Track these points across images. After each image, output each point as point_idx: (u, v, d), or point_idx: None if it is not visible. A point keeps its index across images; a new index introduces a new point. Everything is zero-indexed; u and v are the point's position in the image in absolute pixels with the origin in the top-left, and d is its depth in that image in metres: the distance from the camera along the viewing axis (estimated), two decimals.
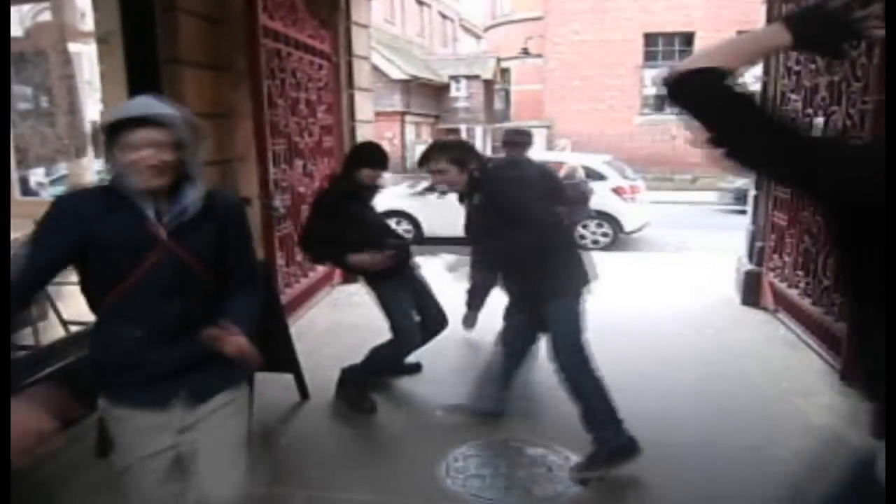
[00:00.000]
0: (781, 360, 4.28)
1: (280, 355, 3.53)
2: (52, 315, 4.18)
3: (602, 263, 8.08)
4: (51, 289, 4.23)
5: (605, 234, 9.68)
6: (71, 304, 4.22)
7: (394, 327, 3.57)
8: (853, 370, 3.79)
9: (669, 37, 19.06)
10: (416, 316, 3.67)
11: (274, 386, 3.70)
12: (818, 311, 4.32)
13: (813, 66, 4.51)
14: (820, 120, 4.36)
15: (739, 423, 3.42)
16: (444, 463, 3.00)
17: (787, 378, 3.97)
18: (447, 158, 2.96)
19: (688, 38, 18.81)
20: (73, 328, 4.00)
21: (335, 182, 3.82)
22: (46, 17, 5.02)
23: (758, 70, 5.76)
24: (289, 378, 3.69)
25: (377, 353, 3.63)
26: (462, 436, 3.22)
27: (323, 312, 5.42)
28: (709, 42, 17.22)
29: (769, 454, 3.06)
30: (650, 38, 19.09)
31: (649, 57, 19.28)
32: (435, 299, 3.81)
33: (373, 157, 3.55)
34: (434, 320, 3.74)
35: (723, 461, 3.03)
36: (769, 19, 5.44)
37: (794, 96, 4.87)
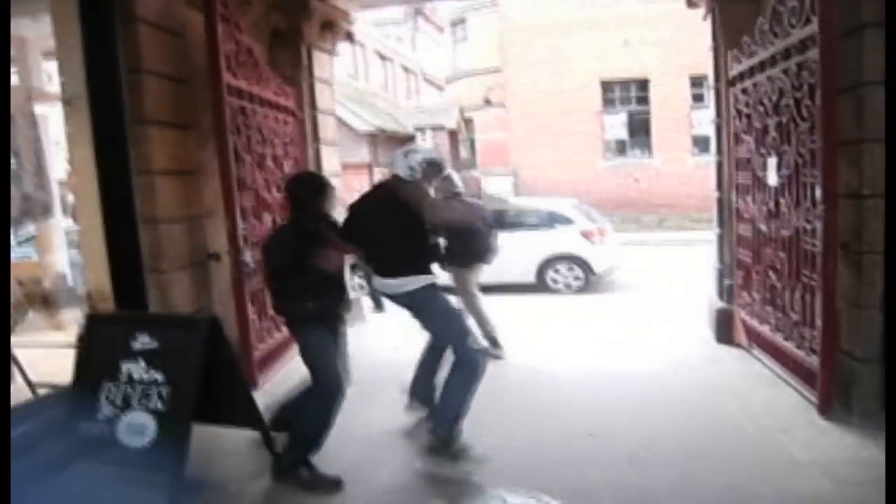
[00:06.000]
0: (759, 396, 4.31)
1: (240, 410, 3.40)
2: (18, 378, 4.02)
3: (575, 306, 8.14)
4: (17, 352, 4.10)
5: (576, 278, 9.75)
6: (38, 366, 4.08)
7: (318, 375, 3.33)
8: (829, 404, 3.83)
9: (625, 84, 19.71)
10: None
11: (248, 442, 3.60)
12: (790, 346, 4.38)
13: (761, 108, 4.70)
14: (773, 160, 4.52)
15: (720, 461, 3.41)
16: None
17: (766, 414, 3.98)
18: None
19: (643, 85, 19.48)
20: (41, 391, 3.85)
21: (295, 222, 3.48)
22: (14, 80, 5.00)
23: (711, 113, 5.99)
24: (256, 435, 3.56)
25: (306, 421, 3.36)
26: (443, 490, 3.15)
27: (297, 366, 5.30)
28: (666, 88, 17.76)
29: (751, 493, 3.05)
30: (607, 86, 19.72)
31: (607, 103, 19.87)
32: (347, 358, 3.56)
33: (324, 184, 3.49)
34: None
35: (706, 501, 3.00)
36: (717, 67, 5.68)
37: (746, 137, 5.06)
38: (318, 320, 3.35)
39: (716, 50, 5.70)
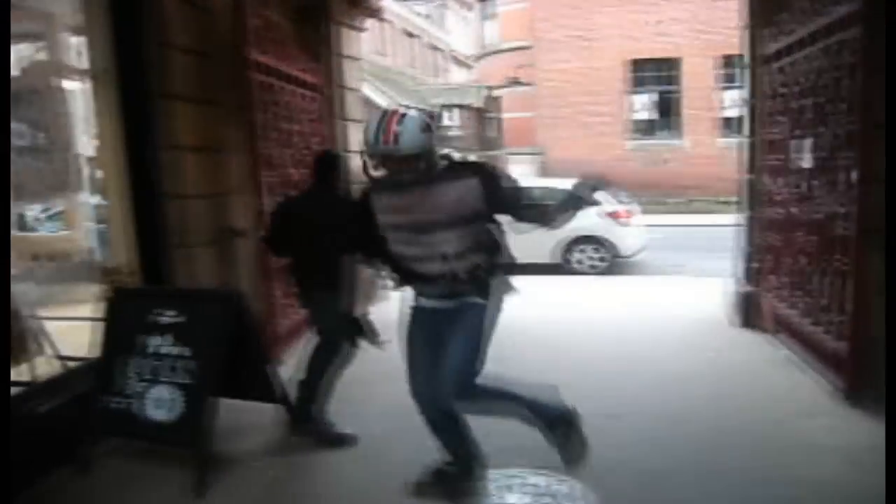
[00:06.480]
0: (784, 381, 4.25)
1: (264, 385, 3.45)
2: (48, 351, 4.11)
3: (599, 288, 8.08)
4: (47, 324, 4.18)
5: (601, 259, 9.67)
6: (67, 340, 4.17)
7: (335, 335, 3.44)
8: (855, 390, 3.76)
9: (657, 63, 19.34)
10: None
11: (271, 417, 3.66)
12: (818, 331, 4.30)
13: (797, 88, 4.56)
14: (808, 141, 4.39)
15: (745, 446, 3.37)
16: None
17: (791, 399, 3.93)
18: None
19: (673, 64, 19.08)
20: (70, 364, 3.93)
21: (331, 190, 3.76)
22: (42, 55, 5.07)
23: (745, 93, 5.83)
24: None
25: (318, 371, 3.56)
26: None
27: None
28: (696, 67, 17.34)
29: (773, 476, 3.01)
30: (637, 65, 19.35)
31: (637, 83, 19.53)
32: None
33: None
34: None
35: (728, 485, 2.98)
36: (752, 45, 5.50)
37: (780, 118, 4.92)
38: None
39: (751, 28, 5.53)
